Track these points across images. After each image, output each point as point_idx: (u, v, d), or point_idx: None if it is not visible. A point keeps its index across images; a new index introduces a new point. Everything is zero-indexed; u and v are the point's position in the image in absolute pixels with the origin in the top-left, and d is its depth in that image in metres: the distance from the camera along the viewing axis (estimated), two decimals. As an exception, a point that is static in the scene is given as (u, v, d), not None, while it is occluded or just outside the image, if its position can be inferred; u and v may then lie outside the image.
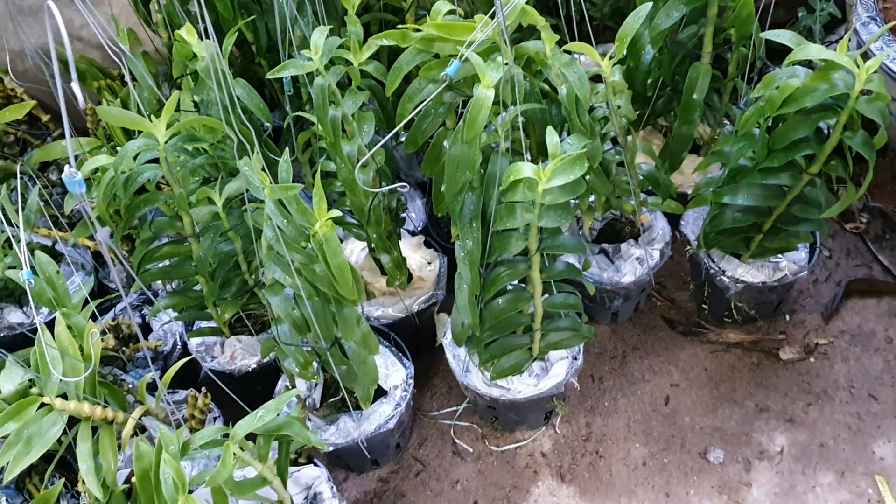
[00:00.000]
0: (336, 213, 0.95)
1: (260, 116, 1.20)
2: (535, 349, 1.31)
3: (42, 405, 0.98)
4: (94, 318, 1.20)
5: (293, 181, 0.96)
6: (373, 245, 1.41)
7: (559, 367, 1.35)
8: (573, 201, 1.07)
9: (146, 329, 1.57)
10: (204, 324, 1.44)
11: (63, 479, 1.11)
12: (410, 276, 1.50)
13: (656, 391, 1.55)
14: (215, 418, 1.35)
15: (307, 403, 1.35)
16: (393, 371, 1.37)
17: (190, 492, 0.89)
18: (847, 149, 1.13)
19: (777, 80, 1.08)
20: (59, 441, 1.00)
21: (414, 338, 1.46)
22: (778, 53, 1.22)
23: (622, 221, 1.56)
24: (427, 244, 1.58)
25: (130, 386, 1.30)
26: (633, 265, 1.48)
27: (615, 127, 1.22)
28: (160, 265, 1.27)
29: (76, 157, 1.32)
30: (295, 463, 1.27)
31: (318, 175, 0.98)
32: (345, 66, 1.13)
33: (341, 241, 1.19)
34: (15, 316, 1.52)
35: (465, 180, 0.99)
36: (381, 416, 1.32)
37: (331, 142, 1.16)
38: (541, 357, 1.35)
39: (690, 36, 1.32)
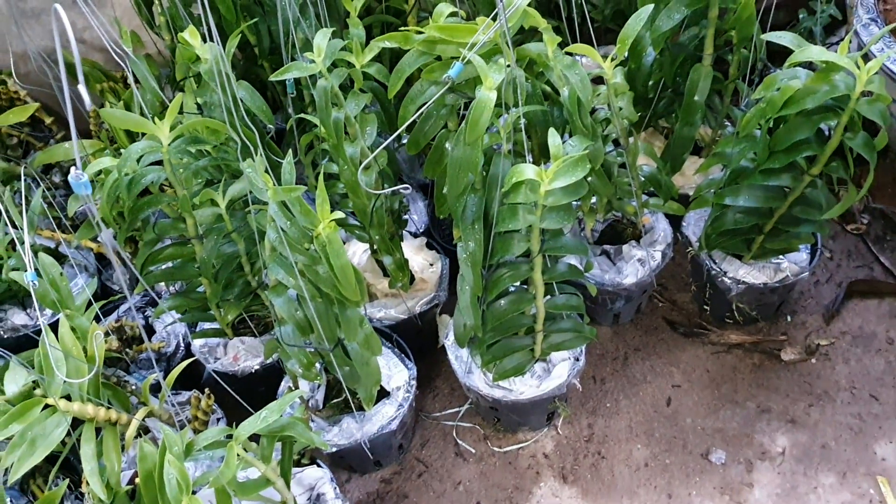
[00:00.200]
0: (339, 214, 0.95)
1: (263, 118, 1.21)
2: (537, 350, 1.31)
3: (46, 406, 0.98)
4: (97, 319, 1.20)
5: (296, 183, 0.96)
6: (375, 247, 1.41)
7: (561, 369, 1.35)
8: (575, 203, 1.07)
9: (149, 331, 1.57)
10: (207, 325, 1.44)
11: (67, 481, 1.11)
12: (413, 278, 1.50)
13: (658, 392, 1.55)
14: (218, 419, 1.36)
15: (310, 404, 1.35)
16: (395, 372, 1.38)
17: (193, 493, 0.89)
18: (848, 150, 1.13)
19: (778, 82, 1.08)
20: (63, 442, 1.00)
21: (416, 339, 1.46)
22: (779, 55, 1.23)
23: (624, 223, 1.57)
24: (429, 246, 1.58)
25: (134, 387, 1.30)
26: (634, 266, 1.48)
27: (617, 128, 1.22)
28: (163, 267, 1.27)
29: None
30: (298, 464, 1.27)
31: (321, 177, 0.98)
32: (347, 68, 1.14)
33: (344, 243, 1.19)
34: (19, 318, 1.52)
35: (467, 182, 0.99)
36: (383, 417, 1.32)
37: (333, 144, 1.16)
38: (543, 358, 1.36)
39: (692, 38, 1.32)
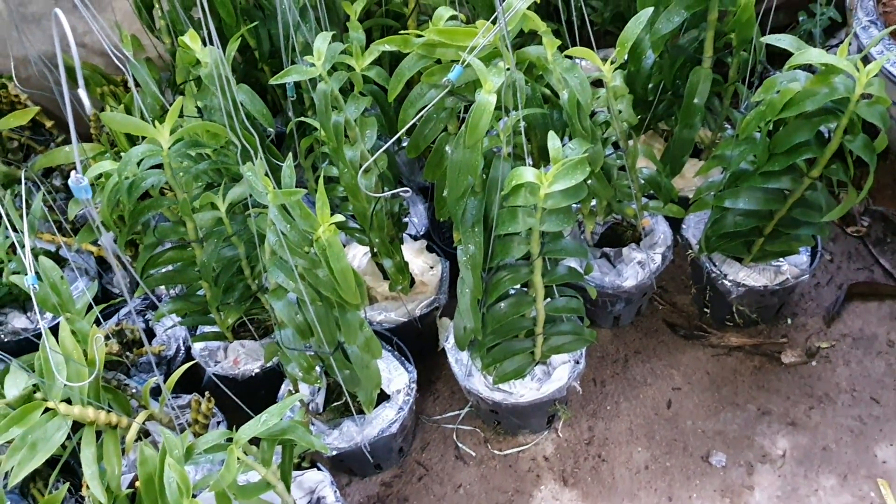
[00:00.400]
0: (339, 217, 0.95)
1: (263, 122, 1.21)
2: (538, 353, 1.31)
3: (46, 410, 0.98)
4: (97, 323, 1.21)
5: (296, 186, 0.96)
6: (375, 250, 1.41)
7: (561, 371, 1.35)
8: (575, 206, 1.07)
9: (150, 334, 1.57)
10: (207, 328, 1.44)
11: (67, 484, 1.11)
12: (413, 281, 1.50)
13: (658, 395, 1.55)
14: (219, 423, 1.36)
15: (310, 408, 1.35)
16: (396, 375, 1.38)
17: (194, 496, 0.89)
18: (848, 152, 1.13)
19: (778, 85, 1.08)
20: (64, 446, 1.00)
21: (416, 342, 1.46)
22: (778, 58, 1.23)
23: (624, 225, 1.57)
24: (429, 249, 1.58)
25: (134, 391, 1.30)
26: (634, 269, 1.48)
27: (616, 131, 1.22)
28: (164, 270, 1.27)
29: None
30: (298, 467, 1.27)
31: (321, 180, 0.98)
32: (347, 71, 1.14)
33: (344, 246, 1.19)
34: (19, 321, 1.52)
35: (467, 185, 0.99)
36: (384, 420, 1.32)
37: (333, 147, 1.17)
38: (543, 361, 1.36)
39: (691, 40, 1.32)
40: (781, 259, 1.45)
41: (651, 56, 1.29)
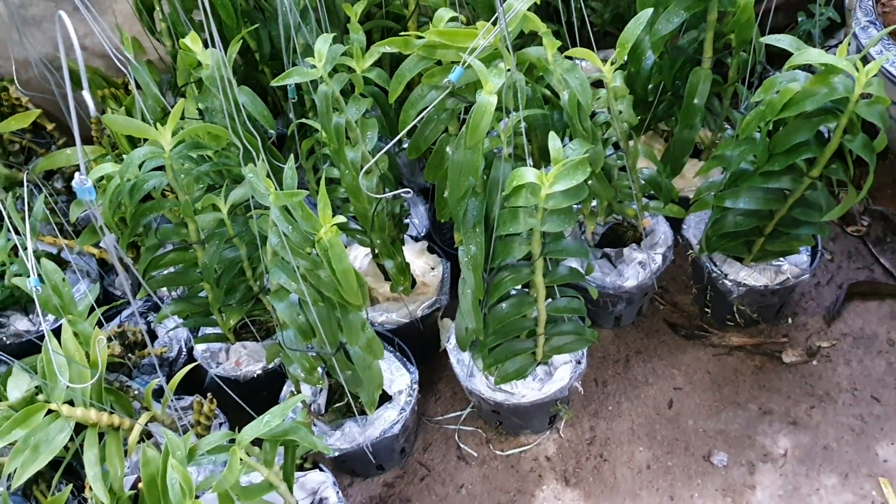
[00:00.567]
0: (340, 218, 0.96)
1: (264, 123, 1.21)
2: (539, 353, 1.31)
3: (49, 412, 0.98)
4: (100, 324, 1.21)
5: (297, 188, 0.97)
6: (377, 251, 1.41)
7: (563, 372, 1.35)
8: (575, 206, 1.07)
9: (152, 336, 1.58)
10: (209, 330, 1.45)
11: (70, 486, 1.12)
12: (414, 282, 1.51)
13: (660, 395, 1.55)
14: (221, 424, 1.36)
15: (312, 409, 1.35)
16: (397, 376, 1.38)
17: (197, 497, 0.90)
18: (847, 152, 1.13)
19: (777, 85, 1.08)
20: (66, 447, 1.00)
21: (418, 343, 1.46)
22: (778, 58, 1.23)
23: (624, 226, 1.57)
24: (430, 250, 1.58)
25: (136, 392, 1.31)
26: (635, 269, 1.48)
27: (617, 132, 1.23)
28: (165, 272, 1.27)
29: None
30: (301, 468, 1.27)
31: (322, 181, 0.98)
32: (348, 73, 1.14)
33: (345, 247, 1.19)
34: (21, 323, 1.53)
35: (468, 186, 1.00)
36: (386, 420, 1.33)
37: (334, 148, 1.17)
38: (544, 361, 1.36)
39: (691, 41, 1.32)
40: (782, 259, 1.45)
41: (651, 57, 1.29)
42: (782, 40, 1.09)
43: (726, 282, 1.46)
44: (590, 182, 1.25)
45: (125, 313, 1.57)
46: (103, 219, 1.15)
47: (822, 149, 1.14)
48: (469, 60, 0.90)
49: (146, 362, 1.47)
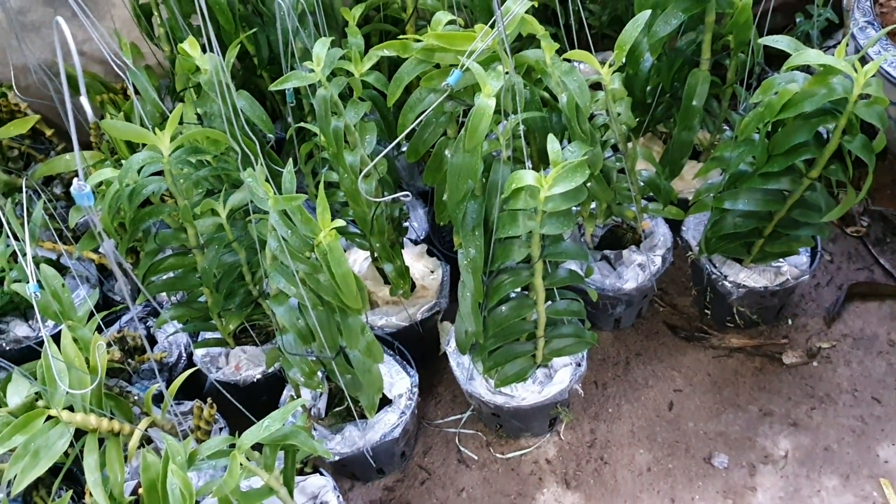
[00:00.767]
0: (339, 222, 0.96)
1: (263, 128, 1.21)
2: (539, 356, 1.31)
3: (49, 418, 0.98)
4: (99, 330, 1.21)
5: (296, 192, 0.97)
6: (376, 254, 1.41)
7: (563, 374, 1.35)
8: (575, 208, 1.07)
9: (151, 341, 1.57)
10: (209, 335, 1.45)
11: (70, 492, 1.11)
12: (413, 285, 1.51)
13: (660, 397, 1.55)
14: (221, 429, 1.36)
15: (312, 413, 1.35)
16: (397, 380, 1.38)
17: (197, 502, 0.89)
18: (846, 153, 1.13)
19: (776, 86, 1.08)
20: (66, 453, 1.00)
21: (418, 346, 1.46)
22: (776, 59, 1.23)
23: (624, 228, 1.57)
24: (430, 253, 1.58)
25: (136, 398, 1.30)
26: (635, 271, 1.48)
27: (615, 134, 1.23)
28: (165, 277, 1.27)
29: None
30: (301, 472, 1.27)
31: (321, 185, 0.98)
32: (346, 77, 1.14)
33: (344, 251, 1.19)
34: (21, 329, 1.52)
35: (466, 189, 1.00)
36: (386, 424, 1.32)
37: (333, 152, 1.17)
38: (544, 364, 1.36)
39: (689, 43, 1.32)
40: (781, 260, 1.45)
41: (649, 59, 1.30)
42: (780, 41, 1.09)
43: (726, 283, 1.46)
44: (589, 184, 1.25)
45: (125, 318, 1.57)
46: (102, 224, 1.15)
47: (821, 150, 1.14)
48: (467, 63, 0.90)
49: (146, 367, 1.47)
